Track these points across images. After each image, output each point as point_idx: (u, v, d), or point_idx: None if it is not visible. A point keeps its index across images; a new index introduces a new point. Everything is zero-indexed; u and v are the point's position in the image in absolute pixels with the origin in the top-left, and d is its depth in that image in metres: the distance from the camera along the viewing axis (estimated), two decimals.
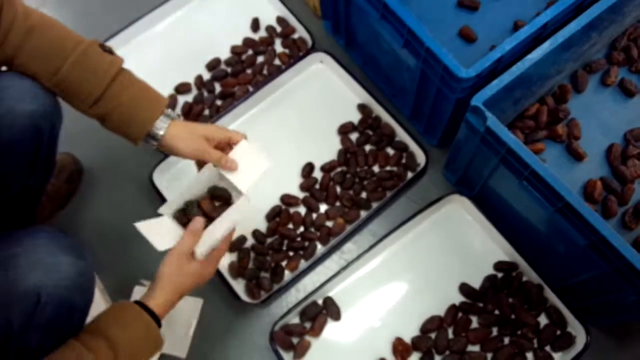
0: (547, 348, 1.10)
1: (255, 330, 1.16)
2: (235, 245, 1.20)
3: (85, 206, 1.28)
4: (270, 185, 1.22)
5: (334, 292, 1.16)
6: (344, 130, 1.30)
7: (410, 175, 1.26)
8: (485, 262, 1.18)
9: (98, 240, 1.25)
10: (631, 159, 1.21)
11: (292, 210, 1.24)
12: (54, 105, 0.91)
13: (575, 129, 1.24)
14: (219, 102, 1.35)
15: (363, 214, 1.22)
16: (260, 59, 1.40)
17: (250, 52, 1.41)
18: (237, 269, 1.18)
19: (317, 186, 1.26)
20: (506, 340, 1.11)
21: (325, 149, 1.29)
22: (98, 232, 1.25)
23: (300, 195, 1.25)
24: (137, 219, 1.25)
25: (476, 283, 1.16)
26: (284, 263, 1.19)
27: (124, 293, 1.18)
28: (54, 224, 1.24)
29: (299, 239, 1.21)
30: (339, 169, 1.27)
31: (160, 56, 1.42)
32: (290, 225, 1.23)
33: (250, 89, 1.36)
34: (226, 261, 1.19)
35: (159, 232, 0.94)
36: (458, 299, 1.15)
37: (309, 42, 1.39)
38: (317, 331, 1.12)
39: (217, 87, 1.37)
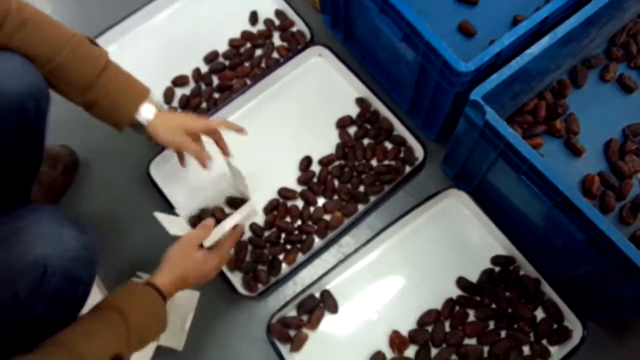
0: (544, 342, 1.10)
1: (252, 323, 1.16)
2: None
3: (81, 198, 1.28)
4: (268, 179, 1.22)
5: (332, 285, 1.16)
6: (342, 124, 1.30)
7: (408, 169, 1.25)
8: (482, 256, 1.18)
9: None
10: (629, 154, 1.21)
11: (289, 203, 1.24)
12: (40, 84, 0.92)
13: (574, 124, 1.24)
14: (216, 95, 1.35)
15: (361, 207, 1.22)
16: (258, 52, 1.40)
17: (248, 45, 1.40)
18: (235, 262, 1.18)
19: (315, 180, 1.25)
20: (503, 333, 1.11)
21: (323, 143, 1.29)
22: (94, 225, 1.25)
23: (298, 188, 1.25)
24: (133, 212, 1.26)
25: (473, 277, 1.16)
26: (281, 256, 1.19)
27: (119, 285, 1.17)
28: None
29: (296, 232, 1.21)
30: (337, 163, 1.27)
31: (157, 48, 1.41)
32: (288, 219, 1.22)
33: (248, 82, 1.35)
34: None
35: (174, 222, 1.04)
36: (455, 292, 1.15)
37: (308, 35, 1.38)
38: (314, 324, 1.12)
39: (215, 80, 1.37)
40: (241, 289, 1.15)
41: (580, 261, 1.02)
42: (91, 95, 0.94)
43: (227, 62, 1.38)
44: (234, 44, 1.40)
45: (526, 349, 1.10)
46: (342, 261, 1.15)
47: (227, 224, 1.04)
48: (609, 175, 1.20)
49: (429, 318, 1.12)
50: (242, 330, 1.16)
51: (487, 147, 1.02)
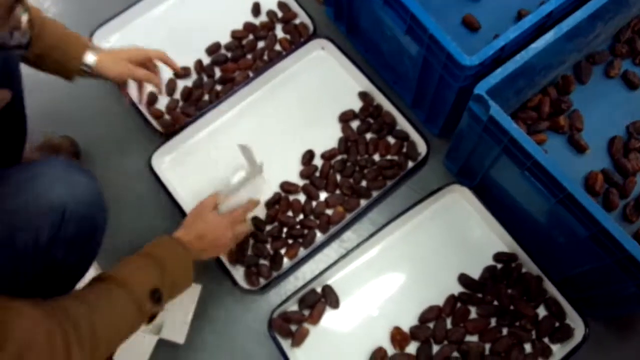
0: (546, 339, 1.10)
1: (254, 317, 1.15)
2: None
3: None
4: (270, 173, 1.21)
5: (333, 280, 1.16)
6: (345, 118, 1.29)
7: (411, 164, 1.25)
8: (484, 253, 1.18)
9: None
10: (633, 151, 1.21)
11: (291, 197, 1.23)
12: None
13: (578, 120, 1.24)
14: (218, 87, 1.34)
15: (363, 202, 1.22)
16: (260, 44, 1.39)
17: (250, 37, 1.39)
18: (236, 256, 1.17)
19: (317, 174, 1.25)
20: (504, 331, 1.11)
21: (325, 137, 1.28)
22: None
23: (300, 182, 1.24)
24: (135, 203, 1.25)
25: (475, 273, 1.16)
26: (283, 251, 1.18)
27: None
28: None
29: (298, 226, 1.20)
30: (339, 157, 1.26)
31: (159, 40, 1.39)
32: (290, 213, 1.22)
33: (251, 74, 1.34)
34: None
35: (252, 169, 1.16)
36: (457, 289, 1.15)
37: (311, 28, 1.37)
38: (315, 319, 1.12)
39: (217, 72, 1.36)
40: (243, 283, 1.15)
41: (583, 259, 1.01)
42: (38, 49, 0.96)
43: (229, 54, 1.37)
44: (236, 35, 1.38)
45: (528, 347, 1.09)
46: (343, 256, 1.14)
47: (241, 196, 1.12)
48: (612, 173, 1.19)
49: (430, 314, 1.12)
50: (243, 325, 1.15)
51: (491, 143, 1.01)
